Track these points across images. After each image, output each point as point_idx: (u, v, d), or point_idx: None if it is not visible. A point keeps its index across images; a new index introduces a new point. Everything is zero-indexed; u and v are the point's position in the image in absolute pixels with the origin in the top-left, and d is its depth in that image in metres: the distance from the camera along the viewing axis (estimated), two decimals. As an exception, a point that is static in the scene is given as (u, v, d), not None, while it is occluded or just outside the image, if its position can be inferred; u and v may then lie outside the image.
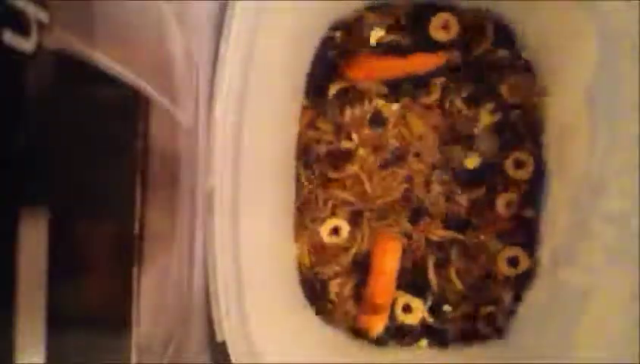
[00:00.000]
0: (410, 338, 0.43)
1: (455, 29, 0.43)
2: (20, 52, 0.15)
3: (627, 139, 0.34)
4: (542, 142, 0.43)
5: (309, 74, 0.45)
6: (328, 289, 0.44)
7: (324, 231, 0.44)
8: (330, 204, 0.44)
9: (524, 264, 0.42)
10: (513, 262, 0.43)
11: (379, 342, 0.43)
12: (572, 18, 0.37)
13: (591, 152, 0.37)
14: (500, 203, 0.43)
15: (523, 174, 0.43)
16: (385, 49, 0.44)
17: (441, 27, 0.44)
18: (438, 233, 0.43)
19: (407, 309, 0.43)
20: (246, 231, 0.36)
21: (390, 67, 0.44)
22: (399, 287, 0.43)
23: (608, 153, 0.36)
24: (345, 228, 0.44)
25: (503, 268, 0.43)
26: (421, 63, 0.43)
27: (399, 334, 0.43)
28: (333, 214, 0.44)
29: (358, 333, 0.43)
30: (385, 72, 0.44)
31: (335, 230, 0.44)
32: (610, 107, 0.35)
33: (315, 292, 0.44)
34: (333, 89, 0.44)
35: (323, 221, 0.44)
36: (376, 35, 0.44)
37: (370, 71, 0.44)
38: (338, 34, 0.44)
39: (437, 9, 0.44)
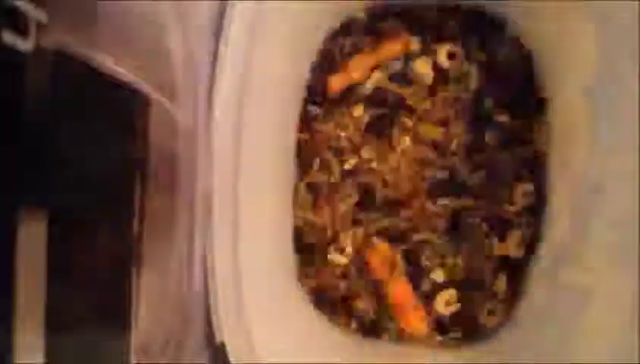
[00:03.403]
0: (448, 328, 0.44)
1: (460, 59, 0.44)
2: (18, 52, 0.15)
3: (627, 139, 0.34)
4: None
5: (309, 73, 0.45)
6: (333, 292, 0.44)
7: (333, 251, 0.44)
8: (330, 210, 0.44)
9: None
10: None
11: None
12: (572, 18, 0.37)
13: (591, 152, 0.37)
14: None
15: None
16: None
17: (447, 58, 0.44)
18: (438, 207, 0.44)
19: (448, 303, 0.43)
20: (246, 232, 0.36)
21: (364, 63, 0.44)
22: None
23: (608, 153, 0.35)
24: (349, 249, 0.44)
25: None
26: (390, 50, 0.44)
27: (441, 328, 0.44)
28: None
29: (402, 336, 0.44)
30: (364, 69, 0.44)
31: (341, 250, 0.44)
32: (610, 107, 0.35)
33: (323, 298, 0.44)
34: (334, 88, 0.44)
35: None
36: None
37: (350, 76, 0.44)
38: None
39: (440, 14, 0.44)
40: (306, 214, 0.45)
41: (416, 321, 0.43)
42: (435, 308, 0.43)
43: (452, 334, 0.43)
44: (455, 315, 0.43)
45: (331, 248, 0.44)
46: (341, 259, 0.44)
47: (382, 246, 0.44)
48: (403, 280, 0.43)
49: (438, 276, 0.44)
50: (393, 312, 0.43)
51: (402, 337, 0.44)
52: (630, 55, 0.33)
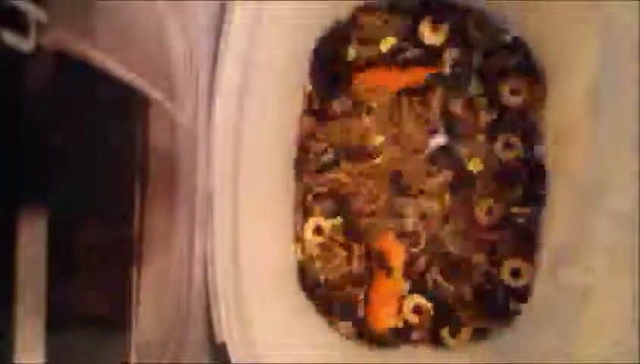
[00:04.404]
0: (415, 337, 0.43)
1: (444, 30, 0.44)
2: (18, 52, 0.15)
3: (627, 139, 0.34)
4: (539, 143, 0.43)
5: (309, 75, 0.45)
6: (330, 289, 0.44)
7: (307, 230, 0.44)
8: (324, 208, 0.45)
9: (526, 276, 0.42)
10: (515, 273, 0.42)
11: (384, 341, 0.43)
12: (573, 18, 0.37)
13: (591, 152, 0.37)
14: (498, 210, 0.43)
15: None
16: (389, 61, 0.44)
17: (431, 31, 0.44)
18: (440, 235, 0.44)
19: (417, 310, 0.43)
20: (246, 232, 0.36)
21: (392, 79, 0.44)
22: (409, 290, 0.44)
23: (608, 153, 0.35)
24: (327, 227, 0.44)
25: (506, 278, 0.42)
26: (421, 75, 0.44)
27: (405, 334, 0.43)
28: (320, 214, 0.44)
29: (366, 333, 0.44)
30: (387, 83, 0.44)
31: (318, 230, 0.44)
32: (610, 107, 0.35)
33: (317, 293, 0.44)
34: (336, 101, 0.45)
35: (305, 220, 0.44)
36: (387, 44, 0.44)
37: (374, 82, 0.44)
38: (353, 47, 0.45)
39: (431, 10, 0.44)
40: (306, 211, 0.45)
41: (383, 317, 0.43)
42: (404, 312, 0.43)
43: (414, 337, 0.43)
44: (460, 317, 0.43)
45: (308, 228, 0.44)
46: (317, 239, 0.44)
47: (386, 247, 0.44)
48: (397, 278, 0.43)
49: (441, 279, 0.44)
50: (368, 303, 0.43)
51: (364, 329, 0.43)
52: (630, 55, 0.33)
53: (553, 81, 0.42)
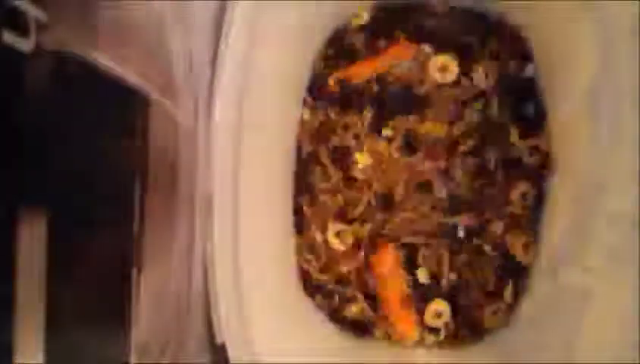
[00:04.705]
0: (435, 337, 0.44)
1: (454, 71, 0.44)
2: (18, 52, 0.15)
3: (628, 139, 0.34)
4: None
5: (310, 75, 0.45)
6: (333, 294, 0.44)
7: (330, 235, 0.44)
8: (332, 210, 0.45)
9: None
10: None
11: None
12: (572, 18, 0.37)
13: (591, 151, 0.37)
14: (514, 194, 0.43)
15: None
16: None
17: (439, 71, 0.44)
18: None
19: (438, 315, 0.44)
20: (246, 233, 0.36)
21: (372, 66, 0.44)
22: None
23: (609, 153, 0.35)
24: (349, 234, 0.44)
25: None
26: (399, 54, 0.44)
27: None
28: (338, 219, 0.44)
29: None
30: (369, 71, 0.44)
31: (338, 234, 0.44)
32: (610, 107, 0.35)
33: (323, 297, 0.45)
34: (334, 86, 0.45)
35: (326, 225, 0.44)
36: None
37: (358, 74, 0.44)
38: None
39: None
40: (306, 213, 0.45)
41: (406, 327, 0.43)
42: (425, 319, 0.43)
43: (442, 335, 0.43)
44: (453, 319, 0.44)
45: (330, 233, 0.44)
46: (340, 246, 0.44)
47: (387, 247, 0.44)
48: (401, 283, 0.43)
49: (432, 278, 0.44)
50: (386, 313, 0.43)
51: (391, 337, 0.44)
52: (630, 55, 0.33)
53: (554, 81, 0.42)
